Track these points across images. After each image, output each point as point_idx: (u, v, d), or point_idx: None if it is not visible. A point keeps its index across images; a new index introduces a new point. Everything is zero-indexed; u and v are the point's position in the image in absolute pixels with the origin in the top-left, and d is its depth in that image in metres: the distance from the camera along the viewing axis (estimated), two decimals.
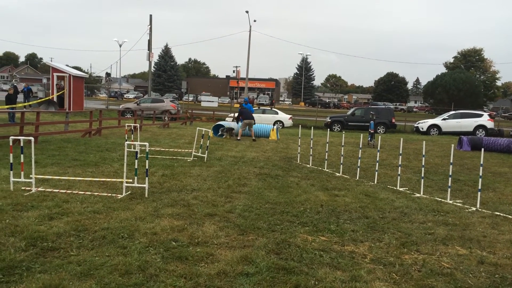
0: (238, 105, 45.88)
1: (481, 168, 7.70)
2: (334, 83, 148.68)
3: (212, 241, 5.04)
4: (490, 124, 26.69)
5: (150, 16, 36.54)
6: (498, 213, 7.04)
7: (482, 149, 7.88)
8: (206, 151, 11.75)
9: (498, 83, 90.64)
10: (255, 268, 4.27)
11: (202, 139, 12.57)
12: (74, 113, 24.10)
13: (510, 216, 6.83)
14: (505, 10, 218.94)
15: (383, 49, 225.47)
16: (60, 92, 25.71)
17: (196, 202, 6.86)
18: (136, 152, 7.71)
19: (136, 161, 7.42)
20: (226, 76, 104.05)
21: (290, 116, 30.55)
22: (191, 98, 70.46)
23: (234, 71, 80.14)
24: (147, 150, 7.54)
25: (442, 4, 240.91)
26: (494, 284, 4.21)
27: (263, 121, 25.41)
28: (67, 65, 32.38)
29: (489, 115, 29.68)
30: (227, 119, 28.76)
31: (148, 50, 36.46)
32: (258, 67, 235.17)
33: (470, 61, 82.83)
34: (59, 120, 19.17)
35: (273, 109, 32.99)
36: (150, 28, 36.55)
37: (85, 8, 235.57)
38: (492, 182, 10.02)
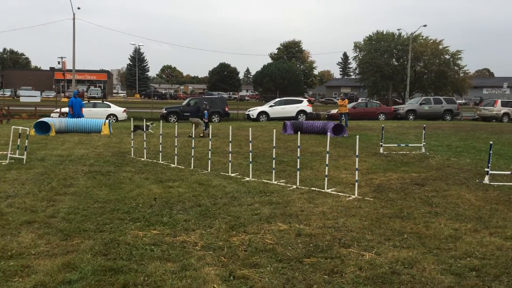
0: (66, 99, 42.21)
1: (298, 149, 8.55)
2: (170, 74, 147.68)
3: (29, 251, 4.56)
4: (309, 109, 29.78)
5: None
6: (314, 189, 7.92)
7: (299, 132, 8.75)
8: (25, 152, 10.54)
9: (315, 72, 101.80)
10: (79, 273, 4.00)
11: (19, 139, 11.21)
12: None
13: (323, 190, 7.75)
14: (319, 4, 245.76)
15: (215, 40, 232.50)
16: None
17: (11, 210, 6.10)
18: None
19: None
20: (51, 68, 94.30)
21: (124, 109, 29.36)
22: (8, 93, 62.14)
23: (59, 63, 73.23)
24: None
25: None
26: (308, 253, 4.72)
27: (94, 115, 23.90)
28: None
29: (308, 100, 33.14)
30: (52, 114, 26.24)
31: None
32: (88, 58, 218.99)
33: (291, 52, 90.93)
34: None
35: (105, 102, 31.30)
36: None
37: None
38: (310, 161, 11.21)
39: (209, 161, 10.13)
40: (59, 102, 40.65)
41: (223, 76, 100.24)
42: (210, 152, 10.39)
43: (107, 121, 18.81)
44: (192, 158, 10.53)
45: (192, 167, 10.10)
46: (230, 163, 9.70)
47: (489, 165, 8.64)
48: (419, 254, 4.69)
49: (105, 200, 6.81)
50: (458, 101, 38.80)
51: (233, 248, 4.79)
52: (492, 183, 8.41)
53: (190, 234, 5.29)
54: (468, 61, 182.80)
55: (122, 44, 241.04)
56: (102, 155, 11.84)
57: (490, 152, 8.75)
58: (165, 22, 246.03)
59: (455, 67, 56.15)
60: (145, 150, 11.84)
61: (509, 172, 9.12)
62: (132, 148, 12.28)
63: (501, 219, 6.09)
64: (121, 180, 8.47)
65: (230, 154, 9.90)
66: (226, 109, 29.49)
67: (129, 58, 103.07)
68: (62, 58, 69.69)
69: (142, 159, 11.29)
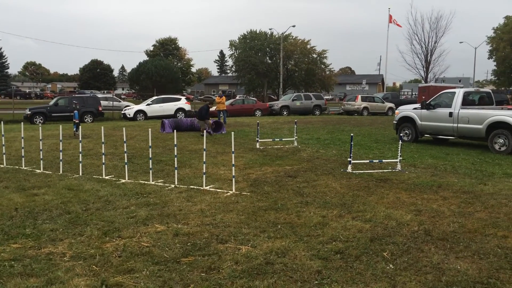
0: None
1: (175, 148, 8.45)
2: (34, 71, 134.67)
3: None
4: (187, 106, 29.68)
5: None
6: (192, 187, 7.90)
7: (175, 131, 8.65)
8: None
9: (193, 70, 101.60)
10: None
11: None
12: None
13: (201, 188, 7.77)
14: (194, 1, 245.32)
15: (86, 36, 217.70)
16: None
17: None
18: None
19: None
20: None
21: None
22: None
23: None
24: None
25: None
26: (186, 252, 4.69)
27: None
28: None
29: (187, 98, 32.96)
30: None
31: None
32: None
33: (168, 49, 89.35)
34: None
35: None
36: None
37: None
38: (189, 159, 11.16)
39: (80, 164, 9.49)
40: None
41: (96, 74, 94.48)
42: (81, 154, 9.74)
43: None
44: (61, 162, 9.76)
45: (61, 172, 9.37)
46: (104, 165, 9.20)
47: (351, 155, 9.49)
48: (291, 243, 4.96)
49: None
50: (325, 97, 42.04)
51: (106, 255, 4.55)
52: (354, 172, 9.26)
53: (58, 244, 4.89)
54: (333, 59, 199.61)
55: None
56: None
57: (352, 143, 9.62)
58: (27, 15, 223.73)
59: (322, 65, 60.46)
60: (4, 155, 10.65)
61: (368, 161, 10.13)
62: None
63: (362, 203, 6.73)
64: None
65: (103, 156, 9.40)
66: (100, 108, 27.95)
67: None
68: None
69: (1, 165, 10.14)
